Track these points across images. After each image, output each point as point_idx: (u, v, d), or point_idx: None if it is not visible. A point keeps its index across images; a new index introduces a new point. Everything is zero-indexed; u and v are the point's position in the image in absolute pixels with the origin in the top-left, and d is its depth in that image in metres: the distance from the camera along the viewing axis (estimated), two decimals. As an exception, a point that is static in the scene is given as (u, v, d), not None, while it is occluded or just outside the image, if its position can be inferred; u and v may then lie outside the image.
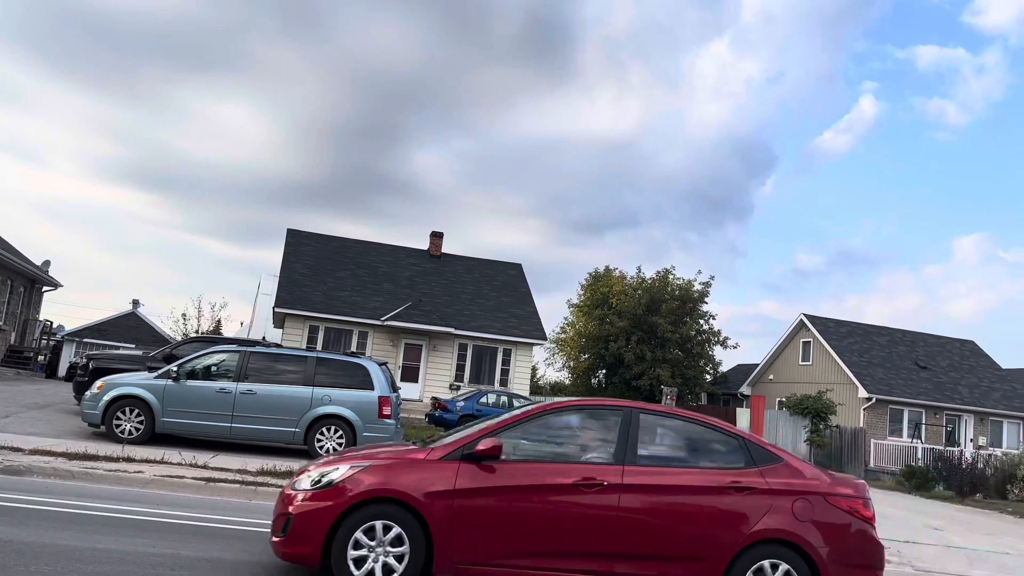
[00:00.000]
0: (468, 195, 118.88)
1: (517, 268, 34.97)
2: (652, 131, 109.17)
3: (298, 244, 31.72)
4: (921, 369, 35.73)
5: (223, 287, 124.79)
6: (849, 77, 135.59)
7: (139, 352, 19.38)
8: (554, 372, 46.85)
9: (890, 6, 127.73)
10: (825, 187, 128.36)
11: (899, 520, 14.67)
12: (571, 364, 41.84)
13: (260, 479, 10.06)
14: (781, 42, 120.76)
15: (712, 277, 39.57)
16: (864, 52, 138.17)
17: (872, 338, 37.32)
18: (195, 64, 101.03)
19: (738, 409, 32.80)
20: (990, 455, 26.69)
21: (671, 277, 38.60)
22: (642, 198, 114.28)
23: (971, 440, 33.37)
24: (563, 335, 43.00)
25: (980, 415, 34.32)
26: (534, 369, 41.81)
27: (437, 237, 34.26)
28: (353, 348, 26.94)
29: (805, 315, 37.78)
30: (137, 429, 12.39)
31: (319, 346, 26.98)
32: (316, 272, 30.24)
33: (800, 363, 37.69)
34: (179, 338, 38.07)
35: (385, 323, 28.26)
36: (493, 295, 32.27)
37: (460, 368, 29.48)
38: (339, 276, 30.50)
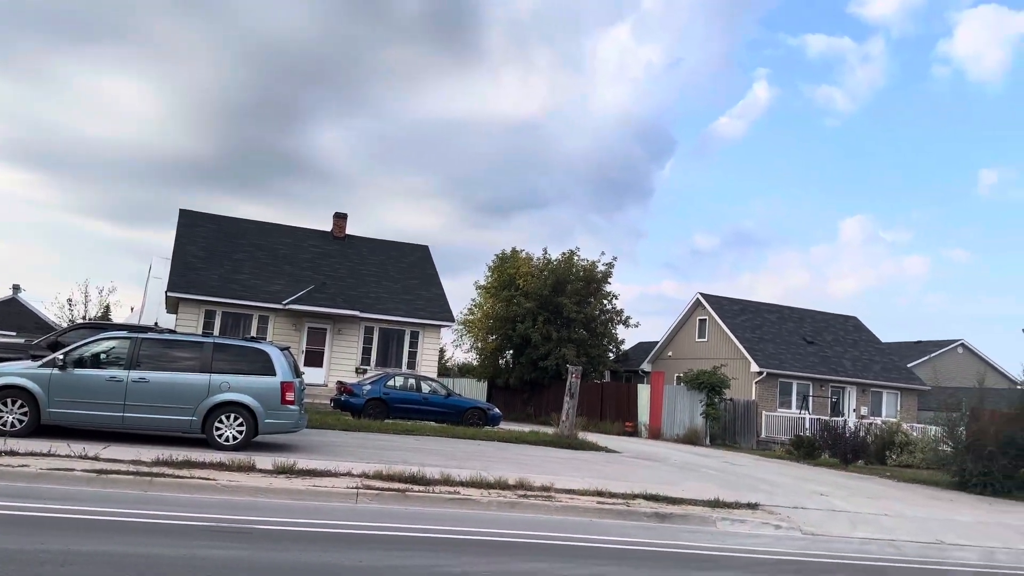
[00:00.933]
0: (373, 176, 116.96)
1: (424, 250, 34.73)
2: (558, 113, 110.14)
3: (192, 225, 30.45)
4: (808, 344, 37.70)
5: (111, 271, 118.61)
6: (744, 64, 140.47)
7: (21, 340, 18.28)
8: (462, 354, 46.93)
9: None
10: (721, 170, 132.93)
11: (788, 487, 15.52)
12: (479, 345, 41.94)
13: (156, 469, 9.71)
14: (680, 28, 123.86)
15: (615, 258, 40.40)
16: (758, 39, 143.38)
17: (763, 315, 39.08)
18: (79, 37, 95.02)
19: (639, 385, 33.80)
20: (871, 424, 28.50)
21: (576, 258, 39.20)
22: (548, 180, 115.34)
23: (854, 410, 35.52)
24: (471, 317, 43.02)
25: (862, 386, 36.55)
26: (442, 351, 41.72)
27: (341, 219, 33.59)
28: (253, 333, 26.16)
29: (701, 294, 39.17)
30: (20, 421, 11.69)
31: (216, 332, 26.08)
32: (212, 255, 29.15)
33: (697, 340, 39.10)
34: (65, 325, 36.00)
35: (287, 307, 27.57)
36: (399, 277, 31.97)
37: (366, 352, 29.12)
38: (237, 259, 29.50)
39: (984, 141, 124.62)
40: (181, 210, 31.15)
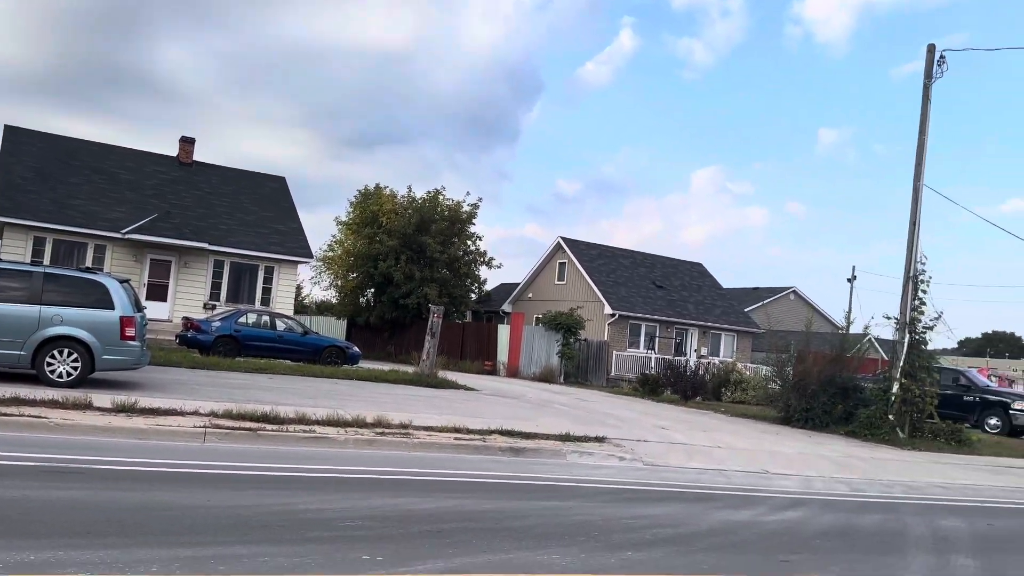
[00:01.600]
0: (226, 100, 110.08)
1: (280, 181, 33.32)
2: (426, 47, 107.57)
3: (18, 143, 27.62)
4: (658, 288, 39.64)
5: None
6: (610, 10, 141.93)
7: None
8: (321, 291, 45.85)
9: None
10: (587, 116, 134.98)
11: (633, 422, 16.43)
12: (339, 283, 41.07)
13: (-23, 408, 8.93)
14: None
15: (480, 199, 40.46)
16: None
17: (618, 260, 40.62)
18: None
19: (499, 326, 34.42)
20: (710, 363, 30.56)
21: (441, 198, 38.91)
22: (415, 116, 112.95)
23: (695, 350, 37.89)
24: (331, 253, 41.97)
25: (703, 328, 38.98)
26: (299, 288, 40.56)
27: (188, 143, 31.51)
28: (89, 263, 24.32)
29: (562, 238, 40.11)
30: None
31: (47, 260, 24.06)
32: (42, 176, 26.65)
33: (556, 282, 40.16)
34: None
35: (127, 236, 25.77)
36: (253, 209, 30.56)
37: (216, 287, 27.83)
38: (71, 183, 27.13)
39: (826, 101, 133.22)
40: (6, 126, 28.19)
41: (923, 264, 19.00)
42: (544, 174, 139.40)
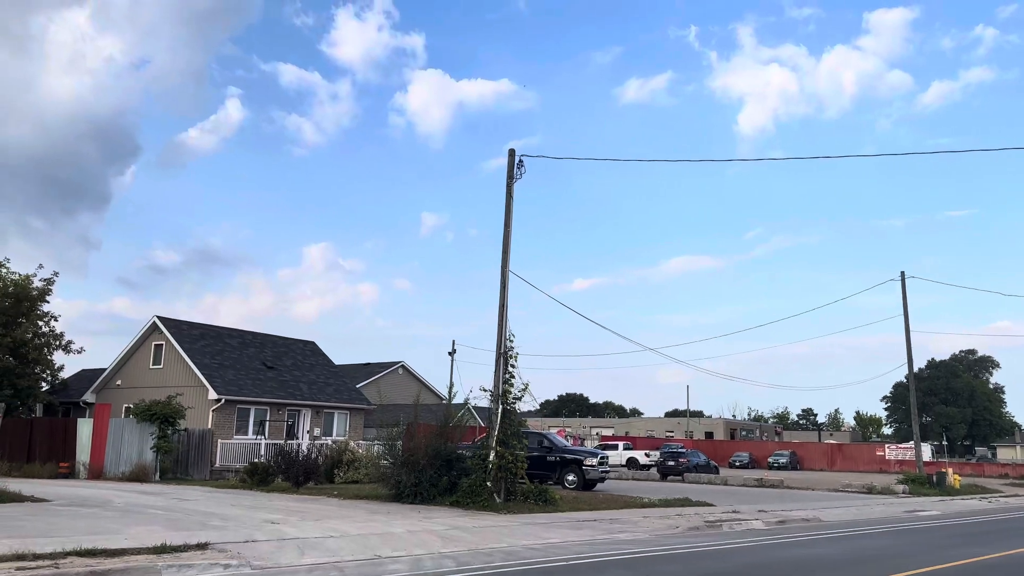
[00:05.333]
0: None
1: None
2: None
3: None
4: (269, 369, 38.25)
5: None
6: (216, 79, 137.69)
7: None
8: None
9: (257, 18, 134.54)
10: (189, 184, 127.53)
11: (240, 519, 15.33)
12: None
13: None
14: (147, 26, 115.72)
15: (56, 273, 35.26)
16: (231, 57, 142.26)
17: (224, 340, 38.40)
18: None
19: (79, 420, 29.95)
20: (323, 444, 30.12)
21: (4, 271, 33.14)
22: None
23: (308, 432, 37.13)
24: None
25: (317, 408, 38.45)
26: None
27: None
28: None
29: (159, 317, 36.73)
30: None
31: None
32: None
33: (151, 366, 36.44)
34: None
35: None
36: None
37: None
38: None
39: (427, 188, 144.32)
40: None
41: (511, 342, 21.20)
42: (139, 243, 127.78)
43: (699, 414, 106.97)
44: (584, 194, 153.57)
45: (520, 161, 21.87)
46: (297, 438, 34.77)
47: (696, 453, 48.90)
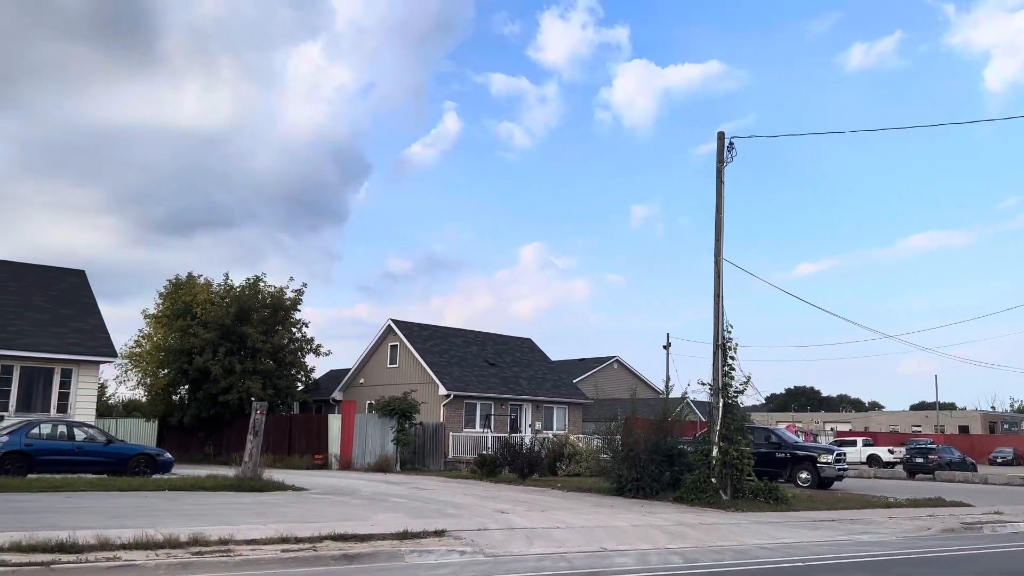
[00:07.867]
0: (19, 186, 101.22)
1: (80, 275, 30.64)
2: (245, 128, 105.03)
3: None
4: (490, 365, 39.95)
5: None
6: (434, 95, 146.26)
7: None
8: (127, 390, 42.08)
9: (469, 33, 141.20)
10: (414, 195, 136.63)
11: (471, 508, 16.12)
12: (147, 381, 37.88)
13: None
14: (372, 53, 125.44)
15: (305, 284, 39.23)
16: (447, 73, 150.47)
17: (450, 339, 40.67)
18: None
19: (329, 415, 33.10)
20: (544, 438, 30.92)
21: (262, 284, 37.41)
22: (234, 198, 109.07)
23: (530, 425, 38.29)
24: (138, 349, 38.79)
25: (536, 402, 39.58)
26: (103, 387, 37.06)
27: (-30, 238, 28.37)
28: None
29: (392, 320, 39.67)
30: None
31: None
32: None
33: (388, 366, 39.44)
34: None
35: None
36: (48, 307, 27.77)
37: (4, 395, 24.76)
38: None
39: (636, 179, 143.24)
40: None
41: (729, 332, 20.40)
42: (374, 253, 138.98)
43: (950, 406, 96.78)
44: (804, 174, 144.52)
45: (731, 144, 21.00)
46: (519, 431, 35.96)
47: (948, 449, 44.25)
